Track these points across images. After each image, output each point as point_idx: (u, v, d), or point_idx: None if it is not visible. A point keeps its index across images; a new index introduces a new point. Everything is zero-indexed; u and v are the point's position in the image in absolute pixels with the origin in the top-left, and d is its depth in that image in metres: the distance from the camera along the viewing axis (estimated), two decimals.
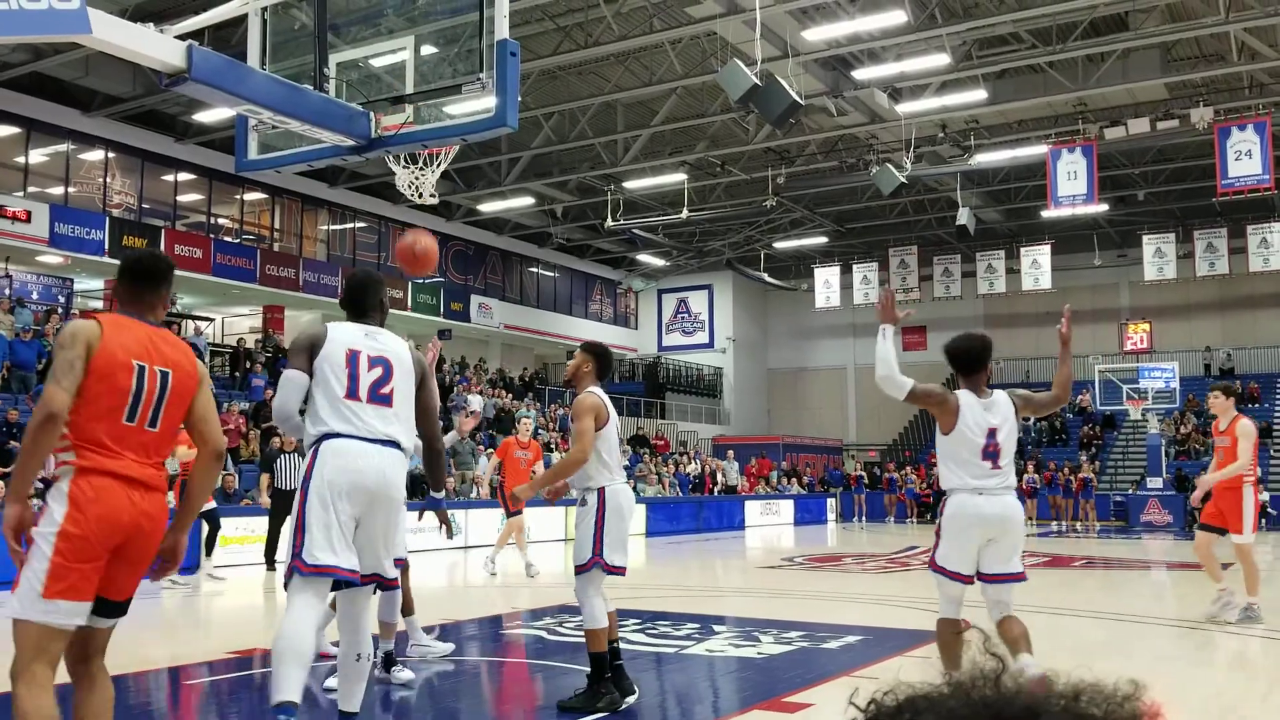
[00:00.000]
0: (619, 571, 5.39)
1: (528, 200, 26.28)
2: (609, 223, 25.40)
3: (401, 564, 6.45)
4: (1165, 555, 16.65)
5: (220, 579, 11.94)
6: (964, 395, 5.10)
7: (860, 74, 18.70)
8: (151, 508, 3.28)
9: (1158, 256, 26.44)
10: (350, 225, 25.93)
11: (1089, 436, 29.40)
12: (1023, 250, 28.01)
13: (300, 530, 3.95)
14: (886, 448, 31.96)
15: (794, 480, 28.77)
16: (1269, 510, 23.53)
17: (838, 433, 34.66)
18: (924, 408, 5.42)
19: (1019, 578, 5.08)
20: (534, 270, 31.30)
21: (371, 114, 5.54)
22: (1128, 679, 0.87)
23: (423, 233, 5.34)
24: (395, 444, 4.09)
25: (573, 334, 30.36)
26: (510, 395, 25.56)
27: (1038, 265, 27.75)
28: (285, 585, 4.02)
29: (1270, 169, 19.35)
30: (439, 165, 6.30)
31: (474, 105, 5.58)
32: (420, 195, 6.02)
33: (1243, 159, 19.02)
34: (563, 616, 8.56)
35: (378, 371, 4.14)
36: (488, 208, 26.27)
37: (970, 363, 5.14)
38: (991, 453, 5.04)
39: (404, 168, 6.26)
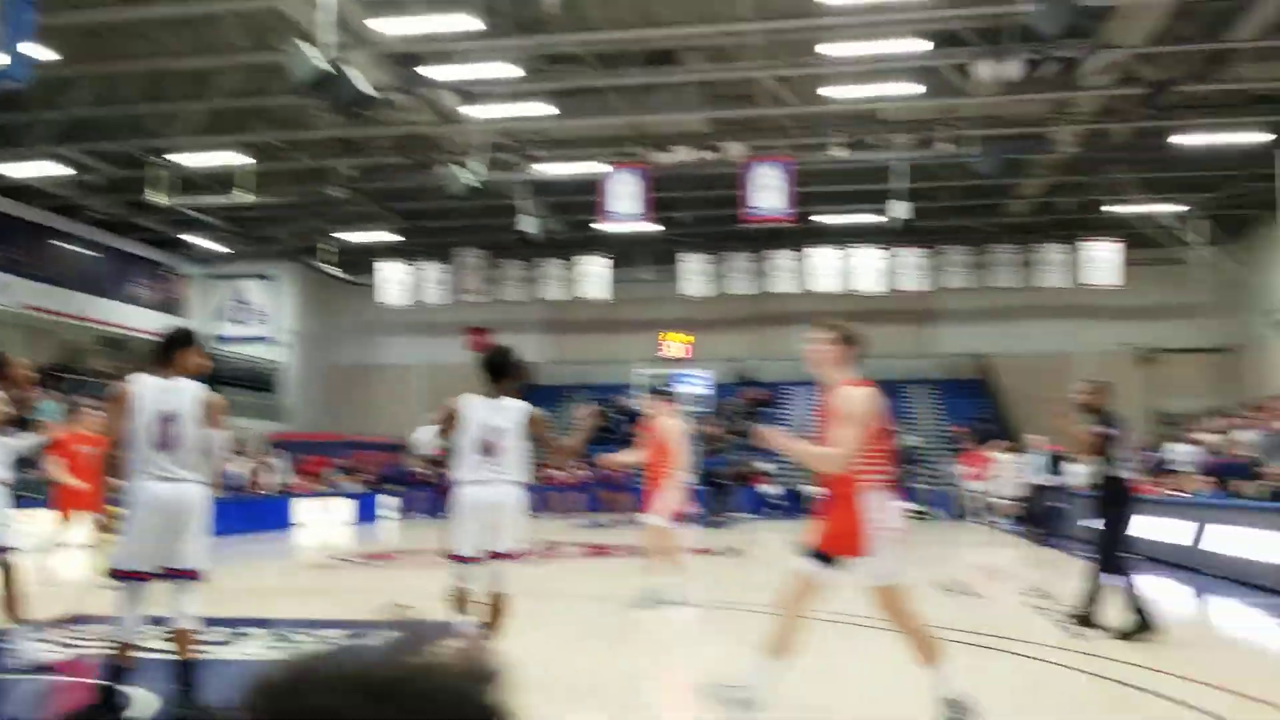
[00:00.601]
0: (128, 577, 4.99)
1: (61, 168, 23.48)
2: (159, 200, 23.43)
3: None
4: (690, 544, 18.27)
5: None
6: (469, 399, 5.91)
7: (432, 73, 18.77)
8: None
9: (699, 274, 29.17)
10: None
11: (633, 436, 31.65)
12: (583, 260, 29.65)
13: None
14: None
15: (352, 478, 28.21)
16: (777, 501, 26.72)
17: (402, 431, 34.43)
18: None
19: (511, 557, 5.87)
20: (65, 246, 28.01)
21: None
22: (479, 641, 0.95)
23: None
24: None
25: (110, 319, 27.64)
26: (33, 386, 22.69)
27: (596, 276, 29.49)
28: None
29: (791, 203, 22.02)
30: None
31: None
32: None
33: (767, 192, 21.47)
34: (85, 627, 7.79)
35: None
36: (8, 170, 23.14)
37: (489, 371, 6.01)
38: (489, 446, 5.83)
39: None
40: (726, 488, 24.88)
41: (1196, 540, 12.83)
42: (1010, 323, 31.39)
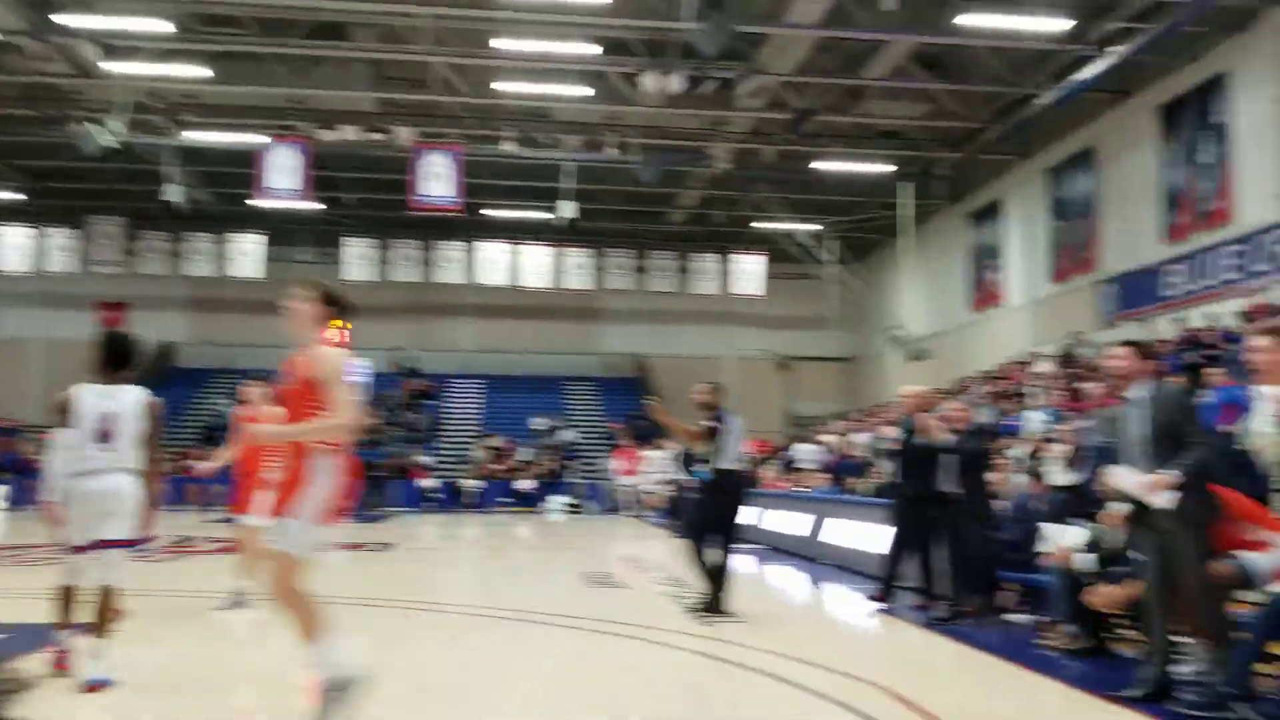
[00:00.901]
0: None
1: None
2: None
3: None
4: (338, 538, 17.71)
5: None
6: (79, 388, 5.69)
7: (69, 20, 16.99)
8: None
9: (361, 259, 28.36)
10: None
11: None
12: (234, 236, 27.97)
13: None
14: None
15: None
16: (435, 495, 26.45)
17: (15, 412, 30.88)
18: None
19: (121, 545, 5.62)
20: None
21: None
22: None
23: None
24: None
25: None
26: None
27: (249, 253, 27.91)
28: None
29: (460, 193, 21.86)
30: None
31: None
32: None
33: (436, 180, 21.20)
34: None
35: None
36: None
37: (106, 357, 5.74)
38: (101, 435, 5.61)
39: None
40: (382, 481, 24.36)
41: (815, 532, 14.02)
42: (667, 325, 32.97)
